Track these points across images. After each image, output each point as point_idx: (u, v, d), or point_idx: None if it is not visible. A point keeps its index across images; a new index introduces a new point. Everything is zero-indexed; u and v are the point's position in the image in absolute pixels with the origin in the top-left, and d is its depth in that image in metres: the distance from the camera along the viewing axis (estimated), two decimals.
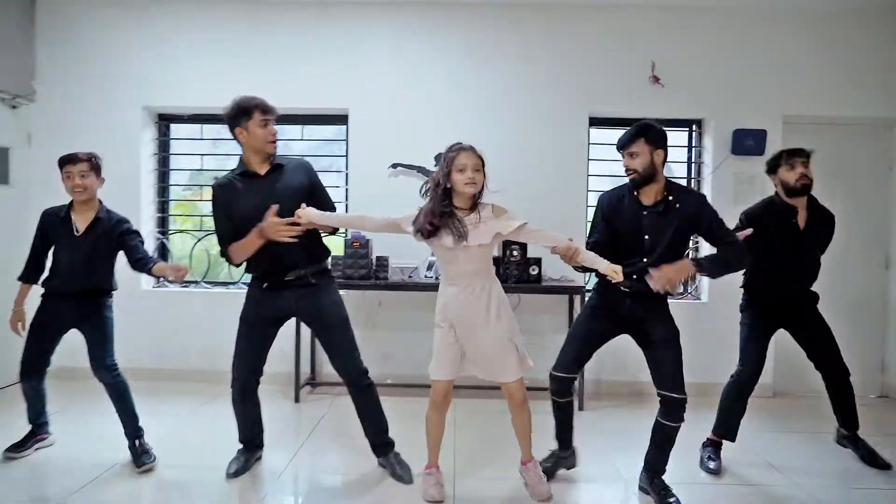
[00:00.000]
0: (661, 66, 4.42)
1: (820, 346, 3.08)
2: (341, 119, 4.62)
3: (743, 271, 3.07)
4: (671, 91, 4.44)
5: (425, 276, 4.21)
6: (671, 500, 2.60)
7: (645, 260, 2.57)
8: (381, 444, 2.95)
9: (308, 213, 2.60)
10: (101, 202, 3.10)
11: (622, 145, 2.65)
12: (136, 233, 3.10)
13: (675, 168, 4.71)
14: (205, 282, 4.75)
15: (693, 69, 4.45)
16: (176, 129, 4.84)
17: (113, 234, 3.02)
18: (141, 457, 2.96)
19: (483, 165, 2.49)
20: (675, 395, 2.54)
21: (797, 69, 4.45)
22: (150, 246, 4.60)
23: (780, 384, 4.48)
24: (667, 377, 2.57)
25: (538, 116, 4.49)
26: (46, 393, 3.15)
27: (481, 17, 4.48)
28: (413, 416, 2.94)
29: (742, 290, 3.19)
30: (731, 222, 2.92)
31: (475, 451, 3.23)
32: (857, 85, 4.44)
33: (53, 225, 3.06)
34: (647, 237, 2.60)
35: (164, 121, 4.77)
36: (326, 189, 2.93)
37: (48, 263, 3.11)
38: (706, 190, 4.45)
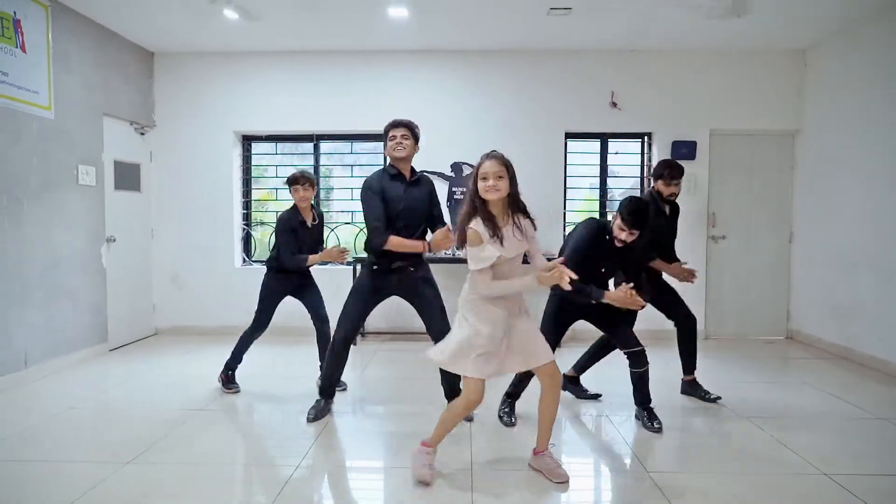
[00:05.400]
0: (617, 93, 5.92)
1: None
2: (380, 137, 6.14)
3: None
4: (626, 112, 5.94)
5: (444, 253, 5.73)
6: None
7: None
8: (453, 395, 3.45)
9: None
10: (313, 206, 4.12)
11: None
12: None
13: (631, 170, 6.22)
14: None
15: (642, 95, 5.95)
16: (256, 147, 6.41)
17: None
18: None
19: (509, 172, 2.54)
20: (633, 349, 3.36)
21: (721, 94, 5.93)
22: (237, 235, 6.19)
23: (710, 329, 6.02)
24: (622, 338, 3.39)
25: (527, 131, 6.00)
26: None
27: (486, 61, 6.00)
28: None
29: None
30: None
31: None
32: (766, 105, 5.92)
33: (294, 224, 3.94)
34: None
35: (247, 140, 6.34)
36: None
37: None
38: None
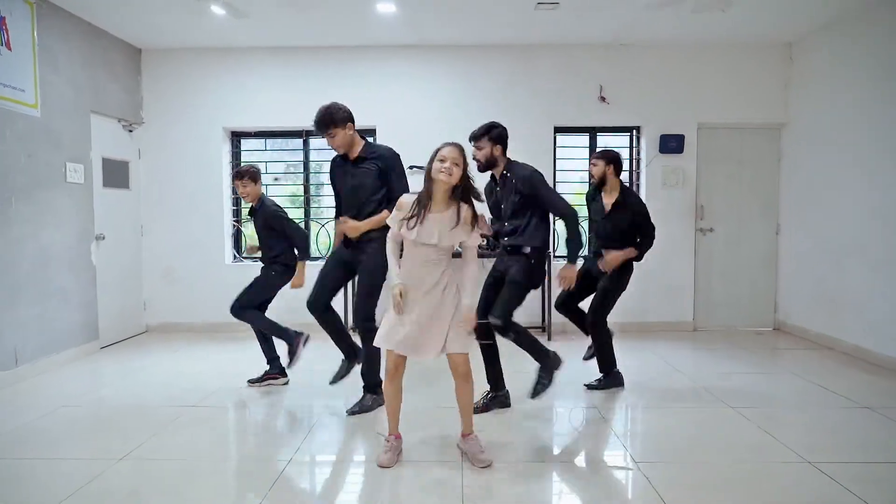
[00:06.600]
0: (606, 88, 5.95)
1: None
2: (370, 132, 6.13)
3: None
4: (615, 106, 5.97)
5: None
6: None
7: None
8: (366, 382, 3.65)
9: (357, 227, 3.42)
10: (261, 198, 4.09)
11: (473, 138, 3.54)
12: (283, 218, 4.07)
13: None
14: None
15: (630, 89, 5.98)
16: (245, 143, 6.39)
17: (266, 217, 4.03)
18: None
19: (465, 164, 2.66)
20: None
21: (708, 87, 5.97)
22: (227, 231, 6.18)
23: (699, 320, 6.08)
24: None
25: (517, 125, 5.97)
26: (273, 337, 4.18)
27: (476, 56, 6.01)
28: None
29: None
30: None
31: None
32: (753, 99, 5.96)
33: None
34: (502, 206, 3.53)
35: (237, 136, 6.32)
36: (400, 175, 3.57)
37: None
38: (642, 179, 6.02)
